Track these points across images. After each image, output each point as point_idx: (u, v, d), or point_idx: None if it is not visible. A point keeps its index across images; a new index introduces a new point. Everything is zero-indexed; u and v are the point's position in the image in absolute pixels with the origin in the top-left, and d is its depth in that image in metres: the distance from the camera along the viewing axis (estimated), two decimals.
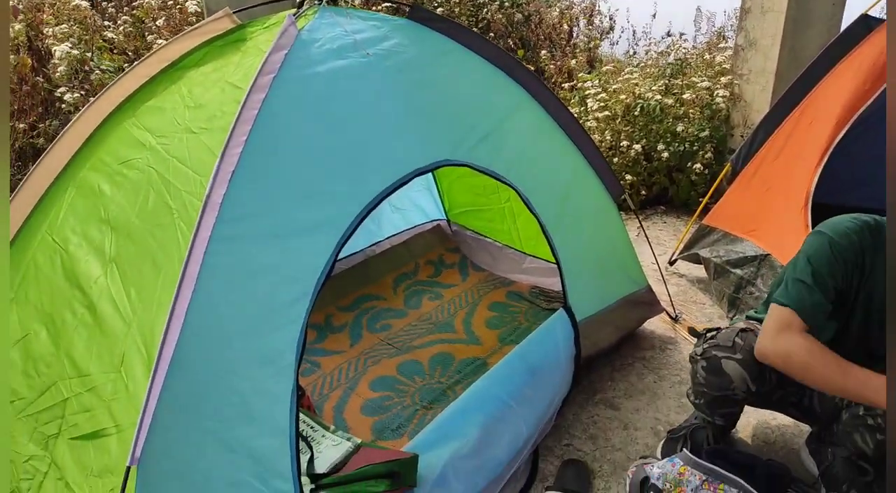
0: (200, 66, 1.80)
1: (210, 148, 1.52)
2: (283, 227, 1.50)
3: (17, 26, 3.92)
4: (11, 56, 3.85)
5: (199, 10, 4.29)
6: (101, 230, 1.57)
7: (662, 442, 2.02)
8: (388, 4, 4.64)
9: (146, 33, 4.40)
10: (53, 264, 1.62)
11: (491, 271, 3.14)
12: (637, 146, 4.12)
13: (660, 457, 1.94)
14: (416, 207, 3.29)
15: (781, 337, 1.46)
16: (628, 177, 4.10)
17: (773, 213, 2.71)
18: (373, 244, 3.11)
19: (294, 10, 1.80)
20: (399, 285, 3.03)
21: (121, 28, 4.34)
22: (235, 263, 1.40)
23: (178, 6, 4.47)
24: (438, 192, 3.32)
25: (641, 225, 2.99)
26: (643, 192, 4.22)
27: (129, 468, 1.17)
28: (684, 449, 1.76)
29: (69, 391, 1.44)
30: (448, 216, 3.38)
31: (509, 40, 6.06)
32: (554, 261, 2.17)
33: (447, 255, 3.28)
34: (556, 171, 2.27)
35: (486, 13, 6.13)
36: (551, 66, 5.72)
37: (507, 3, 6.24)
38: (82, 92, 3.72)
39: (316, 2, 1.86)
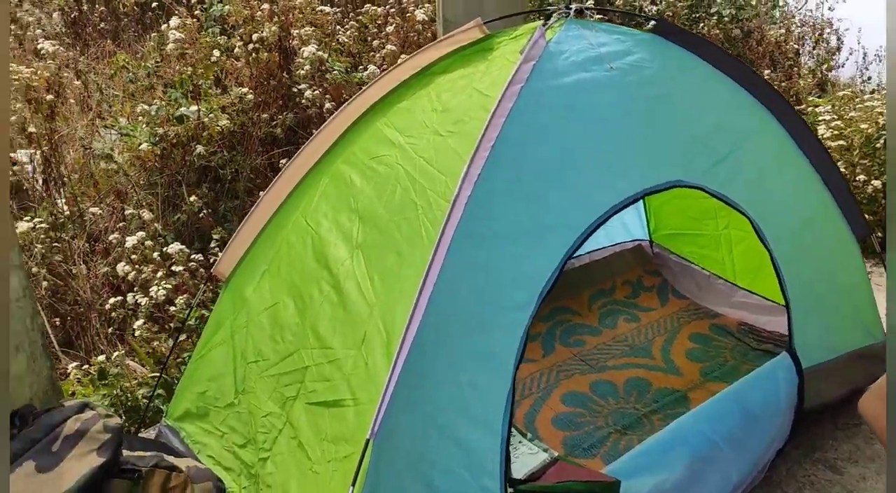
0: (448, 72, 1.90)
1: (456, 150, 1.60)
2: (518, 233, 1.54)
3: (273, 28, 4.43)
4: (265, 54, 4.36)
5: (425, 18, 4.55)
6: (350, 218, 1.72)
7: None
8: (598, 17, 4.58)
9: (369, 38, 4.76)
10: (305, 244, 1.80)
11: (694, 301, 2.96)
12: (877, 182, 3.66)
13: None
14: (621, 225, 3.20)
15: (879, 403, 1.52)
16: (864, 216, 3.66)
17: None
18: (573, 257, 3.07)
19: (543, 22, 1.84)
20: (595, 301, 2.97)
21: (348, 33, 4.73)
22: (474, 261, 1.46)
23: (406, 14, 4.78)
24: (645, 211, 3.20)
25: (885, 266, 2.63)
26: (879, 233, 3.74)
27: (367, 441, 1.26)
28: None
29: (310, 360, 1.59)
30: (651, 237, 3.25)
31: None
32: (775, 299, 2.01)
33: (646, 277, 3.16)
34: (795, 201, 2.09)
35: (703, 27, 5.82)
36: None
37: (725, 18, 5.88)
38: (320, 89, 4.11)
39: (564, 14, 1.88)
